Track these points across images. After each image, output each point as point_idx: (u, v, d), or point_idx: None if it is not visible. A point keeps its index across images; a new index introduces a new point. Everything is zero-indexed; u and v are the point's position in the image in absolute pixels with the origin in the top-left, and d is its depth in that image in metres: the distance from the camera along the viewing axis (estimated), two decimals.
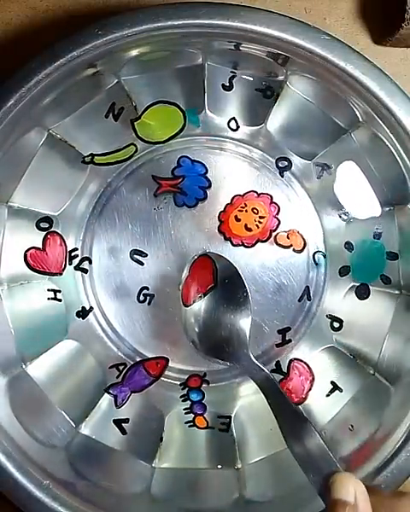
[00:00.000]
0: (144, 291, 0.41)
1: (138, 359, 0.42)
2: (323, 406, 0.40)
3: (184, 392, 0.42)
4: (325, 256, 0.42)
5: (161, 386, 0.41)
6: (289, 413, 0.35)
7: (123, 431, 0.40)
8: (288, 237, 0.42)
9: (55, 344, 0.40)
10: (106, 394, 0.41)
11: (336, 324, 0.41)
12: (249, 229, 0.41)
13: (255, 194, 0.42)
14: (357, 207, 0.41)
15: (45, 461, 0.36)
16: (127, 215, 0.42)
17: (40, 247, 0.40)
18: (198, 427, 0.41)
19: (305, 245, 0.42)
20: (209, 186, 0.42)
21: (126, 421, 0.41)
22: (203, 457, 0.41)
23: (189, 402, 0.41)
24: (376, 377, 0.39)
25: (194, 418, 0.41)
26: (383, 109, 0.35)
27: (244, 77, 0.40)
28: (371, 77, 0.35)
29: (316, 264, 0.42)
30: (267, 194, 0.42)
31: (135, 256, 0.41)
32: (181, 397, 0.42)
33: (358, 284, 0.41)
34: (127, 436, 0.40)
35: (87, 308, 0.42)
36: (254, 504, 0.38)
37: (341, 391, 0.40)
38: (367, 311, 0.41)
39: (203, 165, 0.42)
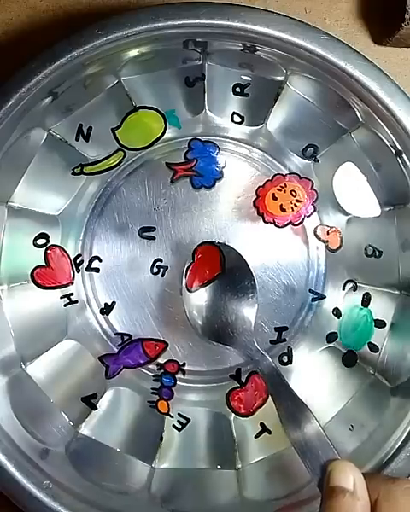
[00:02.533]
0: (154, 267, 0.42)
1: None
2: (323, 406, 0.40)
3: (159, 372, 0.42)
4: (354, 289, 0.41)
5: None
6: (290, 401, 0.35)
7: (93, 406, 0.40)
8: (328, 233, 0.42)
9: (55, 344, 0.40)
10: (105, 394, 0.41)
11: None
12: (284, 210, 0.41)
13: (298, 178, 0.41)
14: (357, 207, 0.41)
15: (45, 461, 0.36)
16: (127, 215, 0.42)
17: (44, 264, 0.40)
18: (158, 411, 0.41)
19: (340, 247, 0.42)
20: (224, 165, 0.41)
21: (94, 396, 0.40)
22: (203, 457, 0.41)
23: (158, 383, 0.41)
24: (376, 377, 0.39)
25: (157, 401, 0.41)
26: (383, 109, 0.35)
27: (243, 76, 0.40)
28: (371, 77, 0.35)
29: (342, 289, 0.42)
30: (309, 179, 0.41)
31: (143, 233, 0.41)
32: (154, 376, 0.42)
33: (344, 351, 0.41)
34: (127, 436, 0.40)
35: (109, 303, 0.42)
36: (254, 504, 0.38)
37: (269, 433, 0.40)
38: None
39: (214, 144, 0.41)
